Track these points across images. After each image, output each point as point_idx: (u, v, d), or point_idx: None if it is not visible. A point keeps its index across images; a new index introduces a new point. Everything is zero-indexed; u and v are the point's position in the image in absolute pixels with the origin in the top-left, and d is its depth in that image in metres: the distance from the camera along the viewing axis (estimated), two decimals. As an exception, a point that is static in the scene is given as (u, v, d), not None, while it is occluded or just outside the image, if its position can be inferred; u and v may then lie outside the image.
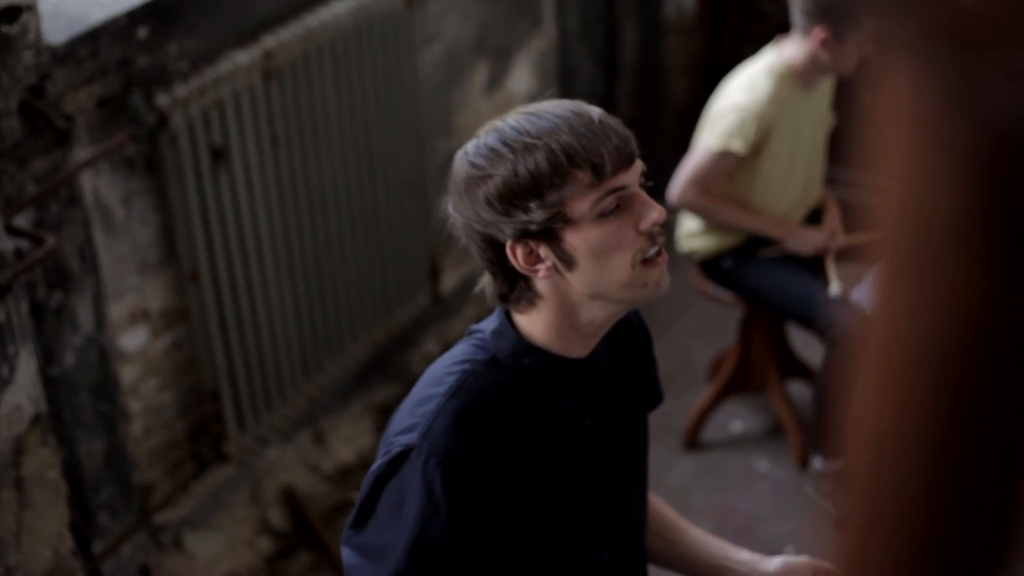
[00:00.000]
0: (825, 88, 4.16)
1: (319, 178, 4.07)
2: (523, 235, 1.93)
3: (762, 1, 5.39)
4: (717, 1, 5.56)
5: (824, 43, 3.90)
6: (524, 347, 2.03)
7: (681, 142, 4.66)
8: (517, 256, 1.95)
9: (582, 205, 1.91)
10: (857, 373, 0.58)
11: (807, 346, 4.63)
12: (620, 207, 1.93)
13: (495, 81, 4.99)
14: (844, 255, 4.23)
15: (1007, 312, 0.51)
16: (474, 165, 1.95)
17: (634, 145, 1.96)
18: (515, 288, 2.00)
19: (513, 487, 2.00)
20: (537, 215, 1.90)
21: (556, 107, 1.97)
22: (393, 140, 4.34)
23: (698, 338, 4.97)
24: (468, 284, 5.04)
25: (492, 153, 1.94)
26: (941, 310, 0.52)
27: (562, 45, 5.31)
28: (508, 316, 2.05)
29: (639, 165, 1.96)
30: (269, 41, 3.81)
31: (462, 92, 4.84)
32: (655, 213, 1.94)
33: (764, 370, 4.48)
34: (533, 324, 2.02)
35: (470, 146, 1.99)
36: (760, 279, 4.18)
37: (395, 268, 4.50)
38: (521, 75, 5.12)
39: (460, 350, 2.08)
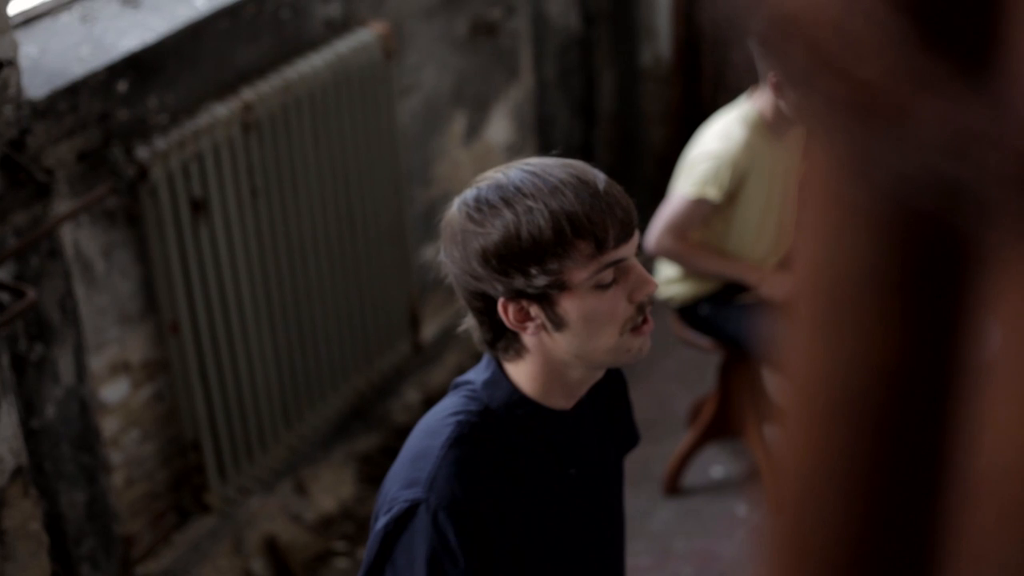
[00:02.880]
0: (801, 136, 4.20)
1: (299, 229, 4.10)
2: (516, 295, 1.93)
3: (736, 51, 5.45)
4: (693, 50, 5.62)
5: (777, 87, 3.93)
6: (517, 398, 2.03)
7: (659, 189, 4.69)
8: (508, 313, 1.94)
9: (580, 275, 1.90)
10: (780, 419, 0.62)
11: (786, 391, 4.66)
12: (616, 279, 1.94)
13: (474, 131, 5.03)
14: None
15: (915, 360, 0.54)
16: (471, 219, 1.93)
17: (635, 216, 1.96)
18: (501, 339, 2.00)
19: (509, 534, 2.01)
20: (536, 280, 1.90)
21: (560, 169, 1.95)
22: (372, 190, 4.37)
23: (677, 384, 5.00)
24: (449, 333, 5.06)
25: (491, 209, 1.92)
26: (855, 359, 0.55)
27: (540, 94, 5.36)
28: (499, 366, 2.05)
29: (637, 236, 1.97)
30: (248, 93, 3.85)
31: (441, 142, 4.88)
32: (649, 286, 1.95)
33: (743, 415, 4.50)
34: (520, 374, 2.03)
35: (469, 195, 1.97)
36: (737, 324, 4.21)
37: (375, 317, 4.52)
38: (499, 124, 5.16)
39: (452, 402, 2.07)
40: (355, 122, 4.24)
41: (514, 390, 2.03)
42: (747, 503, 4.50)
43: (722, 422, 4.54)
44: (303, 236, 4.12)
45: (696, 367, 4.97)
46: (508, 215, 1.90)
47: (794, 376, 0.58)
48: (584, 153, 5.57)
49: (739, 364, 4.43)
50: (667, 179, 4.27)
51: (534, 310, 1.94)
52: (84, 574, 3.75)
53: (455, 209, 1.98)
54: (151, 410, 3.91)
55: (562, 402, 2.06)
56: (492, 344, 2.02)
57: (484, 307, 1.98)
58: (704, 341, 4.35)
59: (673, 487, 4.56)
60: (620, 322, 1.94)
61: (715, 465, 4.69)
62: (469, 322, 2.06)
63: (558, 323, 1.94)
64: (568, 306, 1.92)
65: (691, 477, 4.62)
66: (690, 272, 4.21)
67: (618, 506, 2.28)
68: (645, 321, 1.97)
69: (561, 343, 1.96)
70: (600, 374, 2.07)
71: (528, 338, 1.98)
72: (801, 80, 0.50)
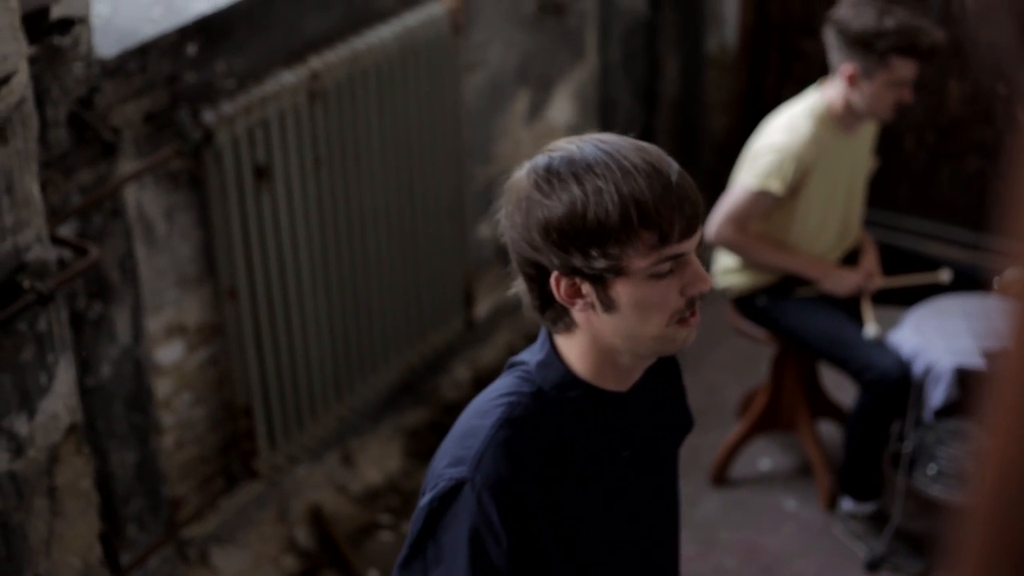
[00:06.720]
0: (867, 132, 4.17)
1: (359, 200, 4.09)
2: (571, 271, 1.90)
3: (803, 40, 5.40)
4: (759, 38, 5.57)
5: (852, 80, 3.91)
6: (570, 380, 2.01)
7: (719, 178, 4.66)
8: (560, 287, 1.92)
9: (639, 263, 1.87)
10: (989, 408, 0.59)
11: (839, 387, 4.62)
12: (672, 270, 1.91)
13: (536, 110, 5.00)
14: (881, 297, 4.23)
15: None
16: (538, 187, 1.89)
17: (702, 212, 1.92)
18: (549, 308, 1.98)
19: (557, 517, 1.99)
20: (595, 262, 1.87)
21: (635, 152, 1.89)
22: (434, 165, 4.36)
23: (729, 374, 4.97)
24: (502, 311, 5.05)
25: (560, 182, 1.88)
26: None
27: (603, 77, 5.33)
28: (553, 346, 2.03)
29: (700, 231, 1.92)
30: (316, 62, 3.84)
31: (503, 120, 4.86)
32: (703, 284, 1.92)
33: (795, 409, 4.47)
34: (572, 350, 2.01)
35: (540, 162, 1.92)
36: (794, 318, 4.17)
37: (430, 292, 4.52)
38: (562, 105, 5.14)
39: (504, 383, 2.06)
40: (420, 96, 4.22)
41: (567, 372, 2.01)
42: (795, 497, 4.46)
43: (773, 415, 4.51)
44: (363, 207, 4.11)
45: (749, 358, 4.93)
46: (576, 191, 1.86)
47: (1009, 363, 0.55)
48: (644, 139, 5.52)
49: (793, 357, 4.39)
50: (727, 168, 4.23)
51: (586, 288, 1.92)
52: (130, 534, 3.76)
53: (523, 173, 1.94)
54: (204, 374, 3.91)
55: (616, 384, 2.04)
56: (540, 311, 2.00)
57: (536, 275, 1.95)
58: (759, 332, 4.32)
59: (720, 477, 4.54)
60: (669, 313, 1.92)
61: (763, 457, 4.66)
62: (520, 286, 2.02)
63: (608, 305, 1.92)
64: (621, 290, 1.90)
65: (739, 468, 4.59)
66: (749, 263, 4.18)
67: (672, 491, 2.27)
68: (693, 314, 1.95)
69: (608, 325, 1.94)
70: (650, 361, 2.05)
71: (577, 313, 1.96)
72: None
